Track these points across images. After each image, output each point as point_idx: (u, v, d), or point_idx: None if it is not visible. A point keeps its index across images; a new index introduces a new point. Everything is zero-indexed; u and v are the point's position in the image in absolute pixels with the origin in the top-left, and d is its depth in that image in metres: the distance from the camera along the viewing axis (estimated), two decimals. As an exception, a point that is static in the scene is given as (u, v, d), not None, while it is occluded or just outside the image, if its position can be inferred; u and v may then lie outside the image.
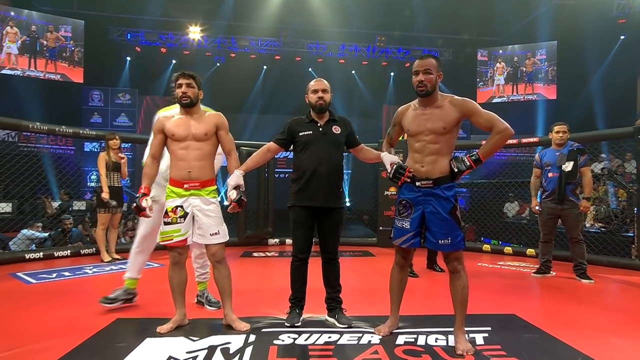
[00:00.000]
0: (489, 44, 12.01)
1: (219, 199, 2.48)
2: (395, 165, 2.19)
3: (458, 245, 2.09)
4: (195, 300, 2.84)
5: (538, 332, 2.36)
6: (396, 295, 2.35)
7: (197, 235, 2.36)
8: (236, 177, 2.35)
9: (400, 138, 2.43)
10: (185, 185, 2.33)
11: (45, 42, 10.20)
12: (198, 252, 2.75)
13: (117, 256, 4.74)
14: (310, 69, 12.30)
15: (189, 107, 2.37)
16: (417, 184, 2.14)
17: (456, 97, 2.14)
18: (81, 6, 10.67)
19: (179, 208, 2.33)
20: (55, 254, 4.58)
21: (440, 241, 2.09)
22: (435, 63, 2.11)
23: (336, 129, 2.48)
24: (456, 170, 2.09)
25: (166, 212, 2.34)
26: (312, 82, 2.52)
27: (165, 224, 2.34)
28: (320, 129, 2.46)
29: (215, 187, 2.43)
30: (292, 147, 2.55)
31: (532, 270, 4.17)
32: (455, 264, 2.12)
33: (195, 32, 11.21)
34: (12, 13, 9.88)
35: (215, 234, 2.36)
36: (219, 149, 2.49)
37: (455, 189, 2.16)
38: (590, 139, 4.87)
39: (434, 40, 11.97)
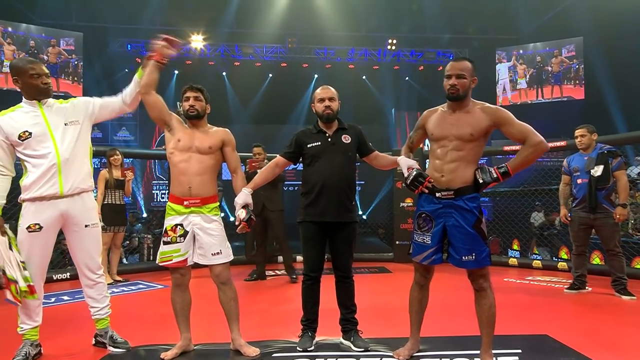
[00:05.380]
0: (508, 43, 11.92)
1: (222, 215, 2.48)
2: (414, 172, 2.13)
3: (483, 261, 2.04)
4: (94, 342, 2.54)
5: (574, 354, 2.29)
6: (416, 315, 2.31)
7: (197, 255, 2.36)
8: (244, 196, 2.36)
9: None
10: (185, 202, 2.33)
11: (45, 58, 10.36)
12: (89, 281, 2.44)
13: (118, 278, 4.77)
14: (316, 75, 12.39)
15: (195, 119, 2.39)
16: (437, 194, 2.10)
17: (488, 104, 2.11)
18: (80, 18, 10.95)
19: (178, 226, 2.33)
20: (54, 277, 4.64)
21: (463, 257, 2.04)
22: (470, 67, 2.08)
23: (346, 138, 2.48)
24: (481, 181, 2.04)
25: (165, 231, 2.35)
26: (318, 90, 2.52)
27: (165, 243, 2.34)
28: (329, 139, 2.46)
29: (217, 204, 2.43)
30: (301, 160, 2.56)
31: (565, 286, 4.07)
32: (480, 281, 2.07)
33: (197, 41, 11.43)
34: (10, 29, 10.02)
35: (217, 253, 2.35)
36: None
37: (479, 200, 2.11)
38: (625, 140, 4.77)
39: (448, 41, 11.97)
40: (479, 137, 2.07)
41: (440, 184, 2.10)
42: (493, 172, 2.04)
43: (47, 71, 2.32)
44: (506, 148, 5.60)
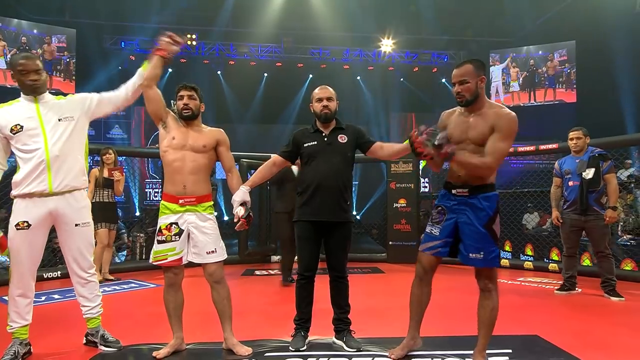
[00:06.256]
0: (503, 46, 12.01)
1: (215, 214, 2.48)
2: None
3: (492, 262, 2.05)
4: (84, 341, 2.51)
5: (564, 355, 2.32)
6: (415, 311, 2.30)
7: (192, 254, 2.35)
8: (242, 193, 2.35)
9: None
10: (181, 201, 2.33)
11: (40, 53, 10.16)
12: (80, 280, 2.42)
13: (110, 277, 4.74)
14: (310, 75, 12.39)
15: (189, 119, 2.39)
16: (453, 191, 2.13)
17: (506, 110, 2.08)
18: (73, 14, 10.84)
19: (173, 225, 2.33)
20: (45, 275, 4.60)
21: (471, 255, 2.05)
22: (471, 69, 2.06)
23: (342, 138, 2.49)
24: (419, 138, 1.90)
25: (160, 230, 2.34)
26: (316, 90, 2.54)
27: (159, 242, 2.34)
28: (326, 139, 2.47)
29: (211, 202, 2.44)
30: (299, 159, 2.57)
31: (556, 287, 4.11)
32: (486, 282, 2.08)
33: (192, 40, 11.36)
34: (0, 24, 9.83)
35: (212, 252, 2.35)
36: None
37: (494, 200, 2.08)
38: (616, 144, 4.82)
39: (443, 43, 12.03)
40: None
41: (457, 180, 2.13)
42: (443, 140, 1.88)
43: (36, 68, 2.27)
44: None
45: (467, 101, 2.08)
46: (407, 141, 2.06)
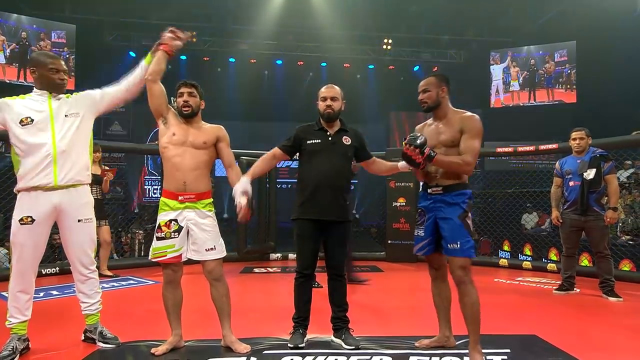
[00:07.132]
0: (503, 45, 11.99)
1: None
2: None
3: (467, 251, 2.17)
4: (83, 337, 2.51)
5: (562, 355, 2.32)
6: (438, 309, 2.43)
7: (191, 251, 2.35)
8: (244, 183, 2.34)
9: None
10: (180, 198, 2.33)
11: (37, 50, 10.18)
12: (81, 276, 2.42)
13: (108, 273, 4.74)
14: (310, 74, 12.38)
15: (189, 117, 2.39)
16: (429, 191, 2.29)
17: (469, 113, 2.26)
18: (74, 10, 10.80)
19: (172, 222, 2.32)
20: (43, 272, 4.59)
21: (449, 245, 2.19)
22: (433, 80, 2.31)
23: (346, 140, 2.50)
24: (405, 139, 2.16)
25: (159, 227, 2.34)
26: (322, 89, 2.54)
27: (158, 239, 2.33)
28: (330, 138, 2.48)
29: (211, 199, 2.43)
30: (297, 156, 2.56)
31: (554, 287, 4.12)
32: (459, 273, 2.16)
33: (193, 37, 11.32)
34: (0, 19, 9.91)
35: (211, 249, 2.35)
36: None
37: (467, 196, 2.24)
38: (617, 144, 4.82)
39: (443, 42, 12.02)
40: (459, 142, 2.22)
41: (432, 181, 2.29)
42: (422, 142, 2.09)
43: (65, 68, 2.39)
44: (499, 150, 5.63)
45: (428, 107, 2.31)
46: (402, 153, 2.19)
